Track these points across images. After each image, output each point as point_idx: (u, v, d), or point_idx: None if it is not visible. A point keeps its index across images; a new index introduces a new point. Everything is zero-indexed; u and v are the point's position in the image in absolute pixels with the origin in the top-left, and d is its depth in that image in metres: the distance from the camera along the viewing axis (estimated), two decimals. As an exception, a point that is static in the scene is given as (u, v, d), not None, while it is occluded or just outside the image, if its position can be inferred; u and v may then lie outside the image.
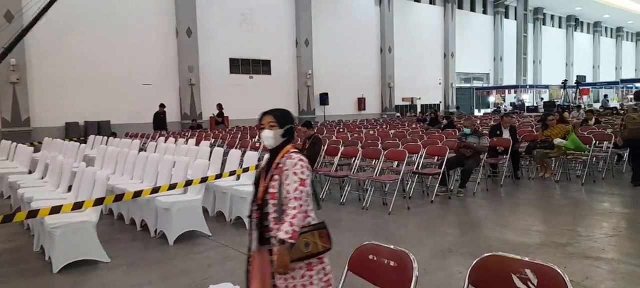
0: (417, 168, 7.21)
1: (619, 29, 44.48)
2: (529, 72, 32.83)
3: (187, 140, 10.49)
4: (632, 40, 47.04)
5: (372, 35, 25.07)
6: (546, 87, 30.06)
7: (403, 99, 26.69)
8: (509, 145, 8.00)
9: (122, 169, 7.19)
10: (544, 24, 35.85)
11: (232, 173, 5.91)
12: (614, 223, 5.47)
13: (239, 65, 20.24)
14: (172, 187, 5.09)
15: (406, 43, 26.40)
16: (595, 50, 41.74)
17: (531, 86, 29.72)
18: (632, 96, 23.93)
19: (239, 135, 11.94)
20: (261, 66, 20.95)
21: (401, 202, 6.79)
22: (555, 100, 26.45)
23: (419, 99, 27.40)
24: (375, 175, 6.69)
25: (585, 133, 8.73)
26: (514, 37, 32.36)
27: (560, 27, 38.70)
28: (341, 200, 6.89)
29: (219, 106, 16.60)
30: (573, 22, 38.91)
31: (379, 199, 6.77)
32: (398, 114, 25.46)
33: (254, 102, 20.35)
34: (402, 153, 6.61)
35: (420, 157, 7.28)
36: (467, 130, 7.59)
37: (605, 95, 27.30)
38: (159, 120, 15.02)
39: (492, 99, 30.25)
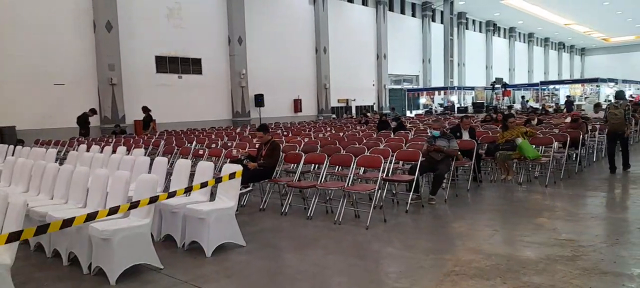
0: (387, 175, 6.61)
1: (530, 35, 47.88)
2: (455, 74, 34.10)
3: (114, 148, 9.11)
4: (541, 46, 50.85)
5: (307, 35, 24.48)
6: (472, 88, 31.37)
7: (338, 101, 26.39)
8: (473, 147, 7.69)
9: (38, 186, 5.85)
10: (466, 28, 37.48)
11: (203, 185, 4.89)
12: (604, 228, 5.22)
13: (166, 64, 18.66)
14: (114, 211, 4.01)
15: (341, 44, 26.15)
16: (510, 54, 44.52)
17: (460, 88, 30.83)
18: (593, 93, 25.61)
19: (174, 141, 10.67)
20: (191, 65, 19.50)
21: (374, 213, 6.15)
22: (482, 101, 27.56)
23: (354, 100, 27.28)
24: (348, 184, 5.98)
25: (540, 134, 8.67)
26: (441, 40, 33.45)
27: (480, 31, 40.75)
28: (308, 214, 6.10)
29: (146, 109, 15.02)
30: (492, 27, 41.16)
31: (349, 211, 6.07)
32: (334, 116, 25.10)
33: (184, 103, 18.94)
34: (378, 159, 5.96)
35: (390, 163, 6.70)
36: (436, 133, 7.14)
37: (523, 97, 28.96)
38: (85, 125, 13.32)
39: (423, 100, 30.98)
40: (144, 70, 17.79)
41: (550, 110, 20.79)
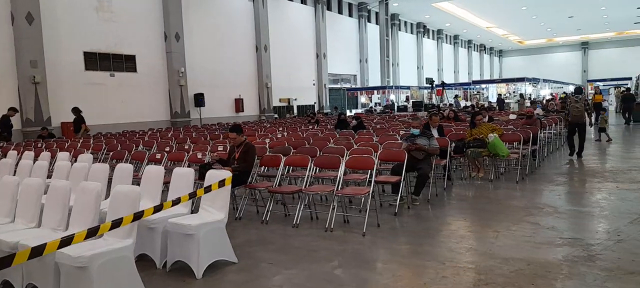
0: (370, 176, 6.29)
1: (456, 37, 50.27)
2: (391, 74, 34.82)
3: (53, 154, 7.99)
4: (465, 47, 53.61)
5: (247, 33, 23.67)
6: (408, 88, 32.18)
7: (280, 100, 25.85)
8: (447, 145, 7.61)
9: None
10: (399, 29, 38.45)
11: (191, 195, 4.23)
12: (598, 224, 5.26)
13: (96, 61, 17.08)
14: (93, 232, 3.29)
15: (281, 42, 25.63)
16: (439, 55, 46.43)
17: (398, 87, 31.48)
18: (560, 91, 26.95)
19: (119, 146, 9.61)
20: (124, 62, 18.03)
21: (361, 218, 5.80)
22: (420, 100, 28.30)
23: (296, 99, 26.87)
24: (337, 187, 5.57)
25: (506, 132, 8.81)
26: (377, 40, 33.99)
27: (412, 33, 42.04)
28: (293, 222, 5.62)
29: (76, 110, 13.54)
30: (422, 29, 42.62)
31: (337, 217, 5.66)
32: (276, 116, 24.53)
33: (117, 104, 17.49)
34: (369, 160, 5.62)
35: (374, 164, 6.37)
36: (415, 131, 6.94)
37: (456, 96, 30.21)
38: (7, 127, 11.74)
39: (363, 99, 31.26)
40: (71, 67, 16.13)
41: (477, 108, 21.74)
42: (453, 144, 8.64)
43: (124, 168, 5.42)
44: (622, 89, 22.88)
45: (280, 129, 13.55)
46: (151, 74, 18.85)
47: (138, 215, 3.58)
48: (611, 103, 26.02)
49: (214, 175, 4.64)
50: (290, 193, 5.93)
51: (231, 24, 22.73)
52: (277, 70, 25.01)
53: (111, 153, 8.84)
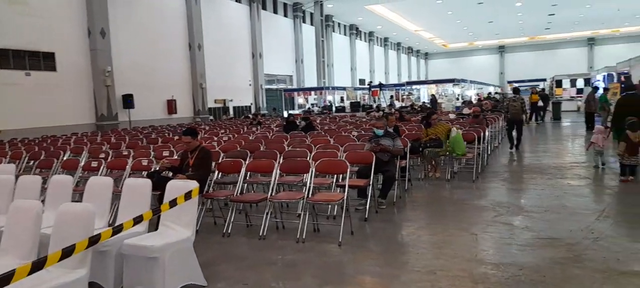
0: (341, 180, 5.97)
1: (386, 39, 51.57)
2: (326, 75, 34.85)
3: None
4: (394, 49, 55.18)
5: (179, 30, 22.47)
6: (344, 88, 32.35)
7: (216, 101, 24.83)
8: (406, 146, 7.47)
9: None
10: (333, 31, 38.65)
11: (155, 211, 3.60)
12: (569, 223, 5.30)
13: (9, 59, 15.28)
14: (39, 265, 2.63)
15: (216, 41, 24.64)
16: (371, 57, 47.34)
17: (335, 88, 31.50)
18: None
19: (43, 153, 8.48)
20: (42, 60, 16.31)
21: (332, 226, 5.46)
22: (358, 101, 28.52)
23: (231, 100, 25.97)
24: (308, 194, 5.16)
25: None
26: (312, 41, 33.88)
27: (345, 34, 42.46)
28: (261, 233, 5.13)
29: (-12, 113, 11.97)
30: (354, 31, 43.19)
31: (306, 226, 5.26)
32: (212, 118, 23.52)
33: (35, 106, 15.79)
34: (342, 164, 5.27)
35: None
36: (379, 132, 6.71)
37: (392, 96, 30.84)
38: None
39: (301, 100, 30.93)
40: (-22, 65, 14.28)
41: (417, 108, 22.28)
42: (409, 144, 8.58)
43: (60, 181, 4.65)
44: (538, 89, 24.56)
45: (222, 131, 12.86)
46: (73, 73, 17.22)
47: (94, 240, 2.96)
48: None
49: (176, 187, 4.05)
50: (255, 202, 5.42)
51: (162, 20, 21.44)
52: (212, 70, 24.00)
53: (35, 162, 7.75)
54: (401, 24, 44.02)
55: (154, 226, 4.10)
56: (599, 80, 23.50)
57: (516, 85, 14.47)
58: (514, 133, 11.56)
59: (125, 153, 7.67)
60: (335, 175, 5.97)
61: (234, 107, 26.18)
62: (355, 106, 24.85)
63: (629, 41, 50.93)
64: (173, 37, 22.04)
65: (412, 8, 38.28)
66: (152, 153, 7.52)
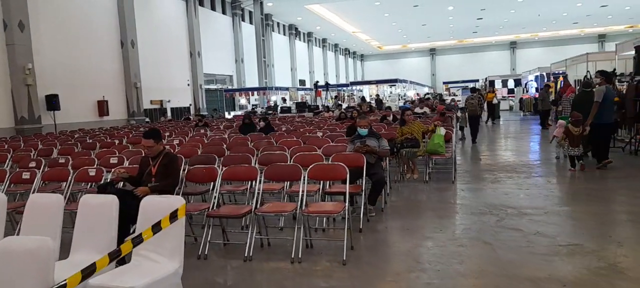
0: (328, 187, 5.31)
1: (324, 40, 51.45)
2: (267, 75, 33.87)
3: None
4: (332, 51, 55.27)
5: (110, 26, 20.56)
6: (287, 89, 31.54)
7: (152, 102, 23.07)
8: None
9: None
10: (273, 30, 37.77)
11: (136, 241, 2.70)
12: (574, 225, 5.01)
13: None
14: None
15: (150, 38, 22.88)
16: (310, 57, 46.96)
17: (278, 88, 30.57)
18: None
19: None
20: (-54, 55, 14.06)
21: (325, 241, 4.79)
22: (304, 102, 27.88)
23: (169, 101, 24.30)
24: (302, 205, 4.43)
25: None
26: (253, 40, 32.79)
27: (284, 34, 41.70)
28: (246, 254, 4.34)
29: None
30: (294, 31, 42.57)
31: (290, 243, 4.53)
32: (148, 119, 21.81)
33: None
34: (340, 168, 4.59)
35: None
36: (363, 132, 6.12)
37: (336, 96, 30.57)
38: None
39: (242, 100, 29.71)
40: None
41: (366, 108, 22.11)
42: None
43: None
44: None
45: (167, 134, 11.67)
46: (-14, 70, 15.06)
47: (87, 274, 2.08)
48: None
49: (155, 204, 3.18)
50: (240, 216, 4.61)
51: (90, 14, 19.48)
52: (147, 69, 22.24)
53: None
54: (339, 25, 44.06)
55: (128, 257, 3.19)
56: (531, 81, 24.68)
57: (451, 85, 16.13)
58: (467, 129, 12.19)
59: (62, 161, 6.46)
60: (322, 182, 5.29)
61: (172, 109, 24.54)
62: (301, 107, 24.19)
63: (545, 45, 54.92)
64: (103, 32, 20.13)
65: (350, 9, 38.35)
66: (97, 160, 6.39)
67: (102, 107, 19.66)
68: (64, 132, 14.88)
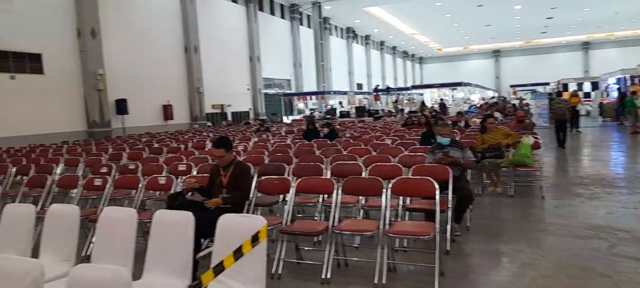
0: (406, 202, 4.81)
1: (382, 43, 50.67)
2: (325, 79, 33.70)
3: None
4: (390, 54, 54.33)
5: (175, 32, 21.15)
6: (345, 93, 31.22)
7: (213, 106, 23.50)
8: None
9: None
10: (330, 34, 37.60)
11: (217, 270, 2.39)
12: None
13: (-9, 60, 13.86)
14: None
15: (212, 43, 23.32)
16: (367, 61, 46.37)
17: (337, 92, 30.33)
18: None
19: (33, 168, 7.17)
20: (28, 62, 14.90)
21: (411, 265, 4.29)
22: (363, 106, 27.43)
23: (229, 105, 24.66)
24: (385, 223, 3.97)
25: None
26: (310, 44, 32.75)
27: (342, 38, 41.42)
28: (323, 276, 3.94)
29: (-33, 119, 10.58)
30: (351, 34, 42.19)
31: (370, 265, 4.04)
32: (210, 124, 22.20)
33: (21, 112, 14.40)
34: (429, 183, 4.10)
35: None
36: (444, 141, 5.56)
37: (395, 101, 29.83)
38: None
39: (300, 105, 29.73)
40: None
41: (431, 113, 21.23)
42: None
43: (63, 214, 3.39)
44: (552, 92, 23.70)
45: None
46: (62, 76, 15.82)
47: None
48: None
49: (234, 224, 2.84)
50: (314, 234, 4.23)
51: (156, 20, 20.11)
52: (208, 74, 22.69)
53: (23, 178, 6.45)
54: (398, 27, 43.18)
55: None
56: (613, 84, 22.71)
57: (519, 88, 15.65)
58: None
59: (132, 167, 6.41)
60: (403, 197, 4.80)
61: (232, 113, 24.89)
62: (360, 111, 23.72)
63: (623, 45, 50.83)
64: (168, 38, 20.72)
65: (410, 10, 37.43)
66: (165, 167, 6.27)
67: (167, 111, 20.20)
68: (131, 135, 15.33)
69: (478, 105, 24.88)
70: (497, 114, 14.44)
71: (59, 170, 7.19)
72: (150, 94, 19.41)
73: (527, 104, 20.36)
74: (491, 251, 4.64)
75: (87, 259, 4.32)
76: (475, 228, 5.37)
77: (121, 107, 17.53)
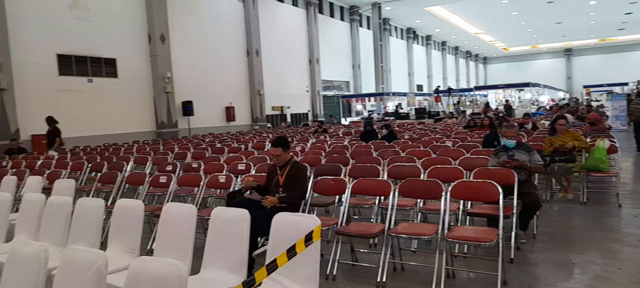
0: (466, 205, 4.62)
1: (443, 43, 49.38)
2: (385, 80, 33.38)
3: (20, 176, 6.05)
4: (452, 54, 52.82)
5: (237, 36, 21.81)
6: (404, 94, 30.76)
7: (273, 108, 24.00)
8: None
9: None
10: (390, 35, 37.17)
11: (270, 268, 2.42)
12: None
13: (72, 65, 14.97)
14: None
15: (273, 46, 23.84)
16: (428, 62, 45.37)
17: (396, 94, 29.98)
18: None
19: (105, 164, 7.67)
20: (104, 66, 15.96)
21: (472, 272, 4.10)
22: (423, 107, 26.90)
23: (289, 107, 25.07)
24: (444, 227, 3.83)
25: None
26: (369, 46, 32.55)
27: (402, 38, 40.83)
28: (379, 279, 3.86)
29: (51, 120, 11.50)
30: (412, 35, 41.47)
31: (428, 270, 3.90)
32: (269, 125, 22.68)
33: (96, 113, 15.42)
34: (492, 187, 3.91)
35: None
36: (510, 143, 5.28)
37: (457, 102, 28.94)
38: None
39: (358, 106, 29.67)
40: (43, 71, 14.01)
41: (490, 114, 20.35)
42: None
43: (129, 208, 3.56)
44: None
45: (288, 139, 11.74)
46: (134, 79, 16.81)
47: None
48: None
49: (288, 222, 2.85)
50: (370, 236, 4.17)
51: (220, 25, 20.85)
52: (269, 76, 23.20)
53: (97, 174, 6.90)
54: (461, 27, 41.88)
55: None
56: None
57: (593, 89, 14.66)
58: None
59: (195, 166, 6.66)
60: (463, 201, 4.61)
61: (291, 114, 25.27)
62: (420, 112, 23.24)
63: None
64: (231, 42, 21.41)
65: (473, 9, 36.16)
66: (226, 166, 6.45)
67: (230, 113, 20.87)
68: (196, 135, 15.98)
69: (547, 107, 23.56)
70: (568, 116, 13.58)
71: (128, 167, 7.62)
72: (214, 96, 20.14)
73: (602, 105, 18.97)
74: (560, 261, 4.34)
75: (150, 253, 4.52)
76: (543, 236, 5.05)
77: (187, 108, 18.33)
